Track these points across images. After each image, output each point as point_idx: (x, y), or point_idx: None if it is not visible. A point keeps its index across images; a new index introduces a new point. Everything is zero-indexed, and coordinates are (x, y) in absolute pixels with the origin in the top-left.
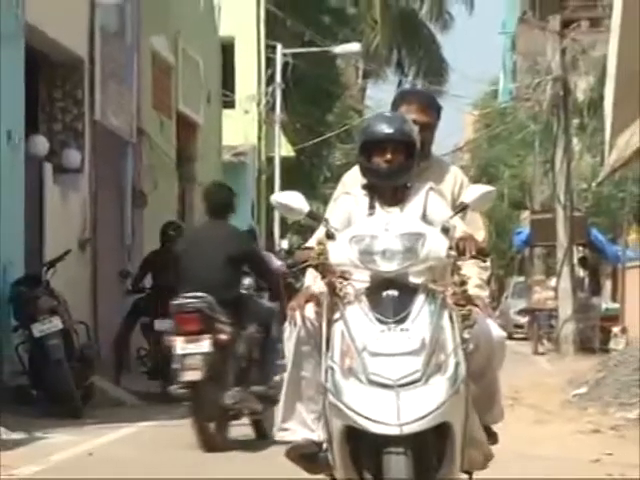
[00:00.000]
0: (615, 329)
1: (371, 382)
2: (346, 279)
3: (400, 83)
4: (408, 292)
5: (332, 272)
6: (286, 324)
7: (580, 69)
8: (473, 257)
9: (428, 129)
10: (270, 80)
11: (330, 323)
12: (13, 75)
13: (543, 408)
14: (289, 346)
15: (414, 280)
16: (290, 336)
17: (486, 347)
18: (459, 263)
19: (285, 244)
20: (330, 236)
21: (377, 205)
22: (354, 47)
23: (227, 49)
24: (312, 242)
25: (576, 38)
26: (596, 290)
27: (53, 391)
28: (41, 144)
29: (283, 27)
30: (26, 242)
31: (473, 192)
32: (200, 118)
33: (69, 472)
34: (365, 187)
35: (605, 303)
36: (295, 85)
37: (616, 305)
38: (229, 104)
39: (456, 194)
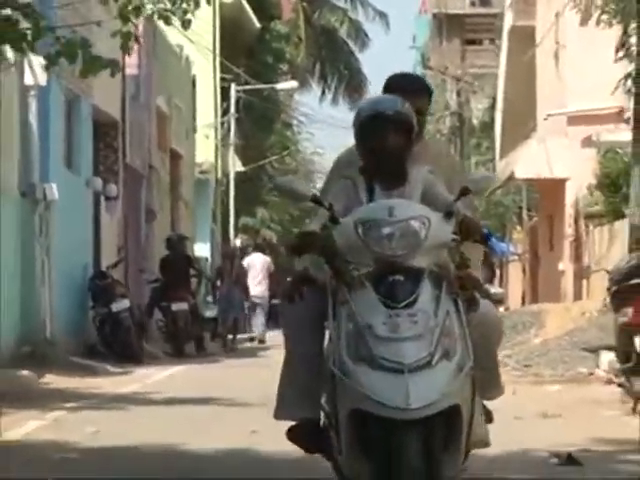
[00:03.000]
0: (501, 309)
1: (380, 366)
2: (350, 263)
3: (323, 93)
4: (413, 276)
5: (337, 256)
6: (284, 306)
7: (470, 105)
8: (476, 241)
9: (420, 113)
10: (226, 111)
11: (335, 307)
12: (86, 140)
13: None
14: (287, 326)
15: (419, 264)
16: (288, 316)
17: (485, 327)
18: (461, 247)
19: (238, 242)
20: (334, 221)
21: (376, 188)
22: (292, 84)
23: None
24: (314, 226)
25: (468, 81)
26: (490, 279)
27: (123, 346)
28: (98, 183)
29: (236, 66)
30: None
31: (474, 177)
32: (182, 150)
33: (163, 387)
34: (363, 169)
35: (494, 288)
36: (246, 114)
37: (501, 290)
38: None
39: (450, 177)
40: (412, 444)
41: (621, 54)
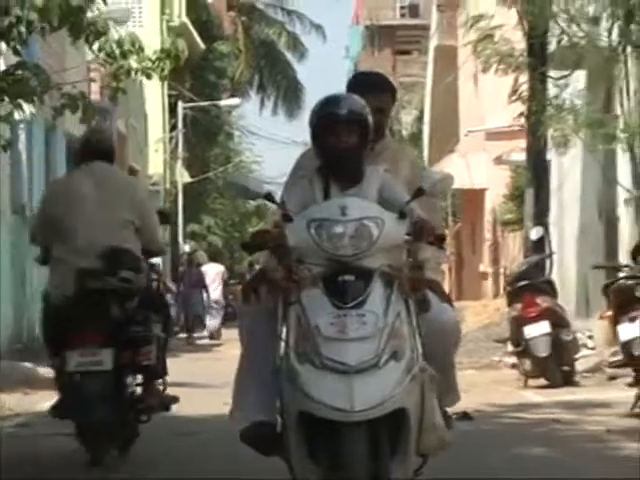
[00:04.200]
0: None
1: (326, 367)
2: (302, 262)
3: (263, 102)
4: (364, 277)
5: (288, 255)
6: (241, 306)
7: (400, 119)
8: (430, 243)
9: (383, 112)
10: (173, 127)
11: (286, 307)
12: (62, 163)
13: None
14: (243, 328)
15: (370, 264)
16: (244, 318)
17: (441, 332)
18: (415, 248)
19: (187, 247)
20: (287, 219)
21: (332, 187)
22: (234, 101)
23: None
24: (268, 224)
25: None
26: None
27: None
28: None
29: (182, 84)
30: None
31: (431, 177)
32: (138, 165)
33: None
34: (319, 169)
35: None
36: (192, 129)
37: None
38: None
39: (410, 177)
40: (357, 447)
41: (514, 98)
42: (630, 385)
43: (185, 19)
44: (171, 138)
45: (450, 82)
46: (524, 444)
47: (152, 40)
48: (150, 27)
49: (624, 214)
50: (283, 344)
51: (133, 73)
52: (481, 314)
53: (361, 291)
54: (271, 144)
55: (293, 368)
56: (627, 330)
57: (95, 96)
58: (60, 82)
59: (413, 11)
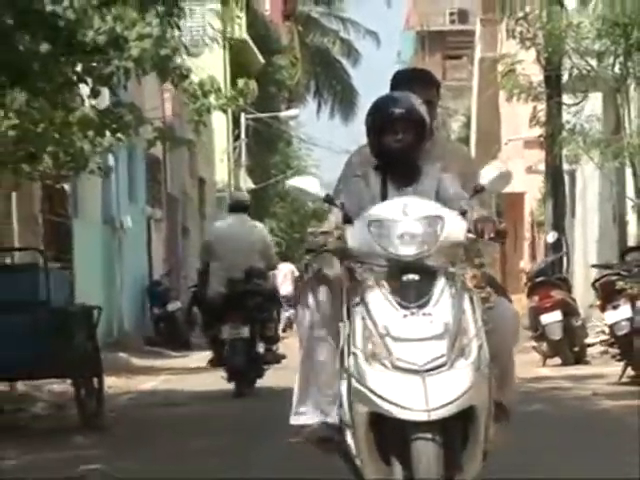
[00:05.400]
0: None
1: (396, 367)
2: (365, 263)
3: (319, 106)
4: (428, 276)
5: (350, 257)
6: (298, 307)
7: (448, 124)
8: (491, 239)
9: (430, 106)
10: (237, 137)
11: (349, 308)
12: (141, 178)
13: None
14: (302, 330)
15: (433, 263)
16: (303, 320)
17: (502, 327)
18: (475, 244)
19: None
20: (347, 220)
21: (390, 186)
22: (294, 112)
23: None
24: (328, 226)
25: (443, 106)
26: None
27: (178, 338)
28: (148, 209)
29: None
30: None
31: (489, 173)
32: (206, 175)
33: None
34: (376, 168)
35: None
36: (254, 139)
37: None
38: None
39: (464, 172)
40: (431, 446)
41: (533, 123)
42: (618, 360)
43: (246, 35)
44: (235, 148)
45: (493, 93)
46: (527, 403)
47: (216, 58)
48: (214, 46)
49: (632, 219)
50: (348, 345)
51: (212, 109)
52: (516, 305)
53: (426, 290)
54: (327, 150)
55: (362, 369)
56: (612, 315)
57: (168, 113)
58: (152, 117)
59: (462, 17)
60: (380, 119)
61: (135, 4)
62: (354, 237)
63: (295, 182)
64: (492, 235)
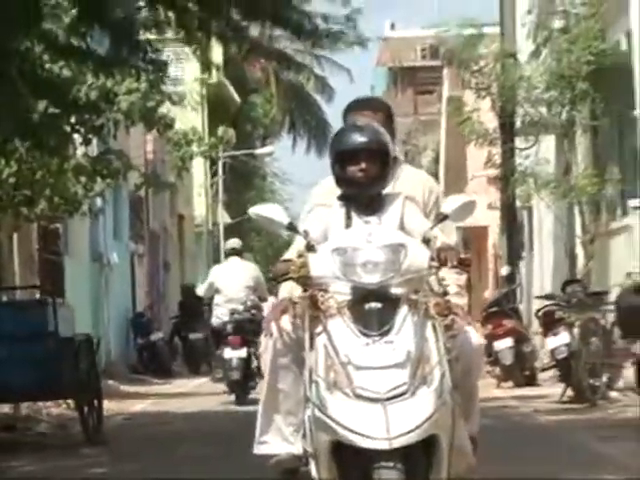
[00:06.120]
0: None
1: (358, 396)
2: (327, 292)
3: (295, 141)
4: (391, 304)
5: (313, 285)
6: (262, 336)
7: (418, 160)
8: (454, 267)
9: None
10: (214, 174)
11: (312, 336)
12: (125, 215)
13: None
14: (266, 358)
15: (396, 291)
16: (267, 348)
17: (467, 356)
18: (440, 273)
19: None
20: (310, 248)
21: (354, 215)
22: (268, 149)
23: None
24: (291, 254)
25: (416, 144)
26: None
27: (161, 367)
28: (132, 245)
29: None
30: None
31: (453, 202)
32: (185, 212)
33: (199, 389)
34: (340, 198)
35: None
36: (230, 174)
37: None
38: None
39: (427, 201)
40: (394, 474)
41: (488, 165)
42: (559, 381)
43: (222, 77)
44: (212, 185)
45: (459, 128)
46: None
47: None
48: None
49: (580, 253)
50: (311, 374)
51: (195, 156)
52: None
53: (388, 318)
54: (300, 185)
55: (323, 398)
56: (552, 341)
57: (149, 155)
58: (138, 163)
59: (434, 53)
60: (343, 149)
61: (127, 71)
62: (317, 265)
63: (258, 210)
64: (455, 263)
